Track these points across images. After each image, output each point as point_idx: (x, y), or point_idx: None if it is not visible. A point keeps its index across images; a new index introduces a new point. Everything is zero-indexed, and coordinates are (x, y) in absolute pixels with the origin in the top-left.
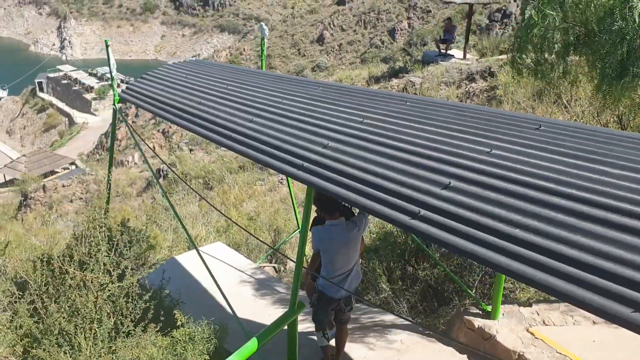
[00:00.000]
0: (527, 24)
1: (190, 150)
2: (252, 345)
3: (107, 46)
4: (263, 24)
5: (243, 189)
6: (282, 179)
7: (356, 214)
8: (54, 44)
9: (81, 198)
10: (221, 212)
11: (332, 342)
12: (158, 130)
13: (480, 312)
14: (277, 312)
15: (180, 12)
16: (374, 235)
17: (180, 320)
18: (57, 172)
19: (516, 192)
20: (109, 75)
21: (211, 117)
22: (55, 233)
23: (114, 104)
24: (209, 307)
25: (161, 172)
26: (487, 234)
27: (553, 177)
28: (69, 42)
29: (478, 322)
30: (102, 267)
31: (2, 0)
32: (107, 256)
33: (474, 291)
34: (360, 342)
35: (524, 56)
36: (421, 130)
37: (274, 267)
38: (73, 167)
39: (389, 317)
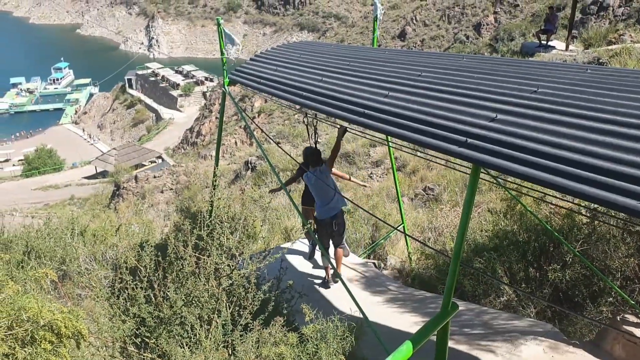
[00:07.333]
0: None
1: (277, 143)
2: (406, 349)
3: (218, 24)
4: (377, 1)
5: None
6: (371, 173)
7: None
8: (142, 43)
9: (171, 189)
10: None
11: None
12: (240, 127)
13: None
14: (396, 310)
15: (262, 11)
16: (488, 234)
17: (309, 316)
18: (145, 165)
19: None
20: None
21: (336, 94)
22: (148, 222)
23: (223, 86)
24: (324, 302)
25: (249, 164)
26: None
27: None
28: (156, 40)
29: None
30: (225, 253)
31: (95, 1)
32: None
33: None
34: (493, 349)
35: None
36: (628, 99)
37: (374, 263)
38: (160, 160)
39: (517, 323)
